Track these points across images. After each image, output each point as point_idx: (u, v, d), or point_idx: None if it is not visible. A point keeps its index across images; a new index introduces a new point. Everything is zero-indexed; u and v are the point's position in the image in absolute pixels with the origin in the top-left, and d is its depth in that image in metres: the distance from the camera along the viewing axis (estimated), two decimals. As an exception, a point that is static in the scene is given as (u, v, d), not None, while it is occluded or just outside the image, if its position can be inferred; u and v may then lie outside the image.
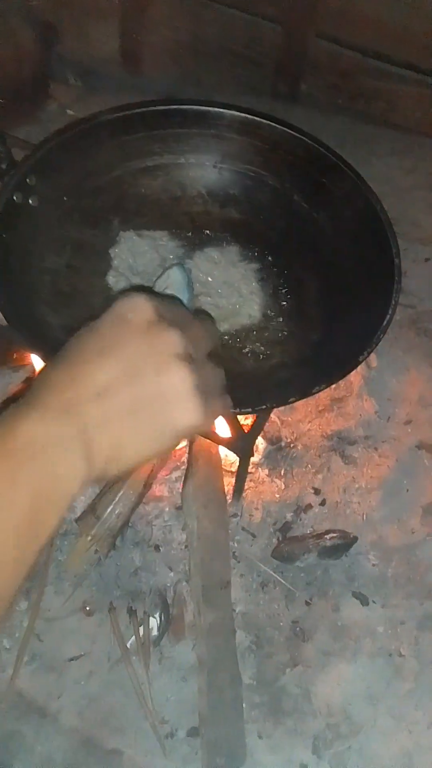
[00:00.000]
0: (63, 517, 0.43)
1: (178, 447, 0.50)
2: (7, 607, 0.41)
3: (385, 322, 0.74)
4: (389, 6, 1.20)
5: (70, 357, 0.46)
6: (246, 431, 0.85)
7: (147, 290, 0.56)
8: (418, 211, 1.30)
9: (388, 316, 0.74)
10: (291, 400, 0.70)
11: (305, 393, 0.70)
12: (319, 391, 0.70)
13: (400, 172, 1.34)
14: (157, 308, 0.48)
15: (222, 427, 0.85)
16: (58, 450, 0.41)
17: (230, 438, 0.83)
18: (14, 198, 0.80)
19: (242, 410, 0.70)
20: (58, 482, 0.41)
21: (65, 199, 0.89)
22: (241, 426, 0.83)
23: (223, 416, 0.52)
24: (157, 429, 0.46)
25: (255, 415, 0.88)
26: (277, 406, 0.74)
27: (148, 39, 1.41)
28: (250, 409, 0.70)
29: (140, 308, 0.48)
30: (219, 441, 0.85)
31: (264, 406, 0.72)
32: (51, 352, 0.59)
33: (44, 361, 0.71)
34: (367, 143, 1.37)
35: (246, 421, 0.92)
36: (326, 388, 0.70)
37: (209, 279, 0.87)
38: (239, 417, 0.84)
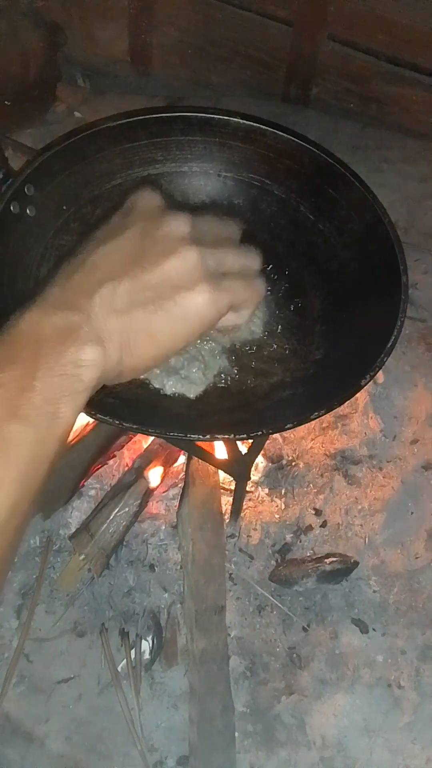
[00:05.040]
0: (80, 409, 0.41)
1: (197, 339, 0.48)
2: (22, 519, 0.39)
3: (389, 344, 0.71)
4: (404, 8, 1.16)
5: (77, 253, 0.45)
6: (245, 451, 0.82)
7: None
8: (430, 221, 1.25)
9: (392, 338, 0.71)
10: (288, 426, 0.68)
11: (303, 419, 0.67)
12: (318, 417, 0.67)
13: (413, 179, 1.30)
14: (166, 199, 0.47)
15: (219, 449, 0.82)
16: (64, 338, 0.40)
17: (226, 460, 0.80)
18: (11, 208, 0.78)
19: (237, 436, 0.67)
20: (69, 369, 0.39)
21: (64, 208, 0.86)
22: (237, 448, 0.80)
23: (258, 301, 0.51)
24: (167, 314, 0.44)
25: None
26: (273, 433, 0.72)
27: (157, 40, 1.38)
28: (245, 436, 0.67)
29: (147, 196, 0.47)
30: (215, 463, 0.82)
31: (260, 432, 0.69)
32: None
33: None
34: (379, 149, 1.33)
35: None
36: (325, 414, 0.67)
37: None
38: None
